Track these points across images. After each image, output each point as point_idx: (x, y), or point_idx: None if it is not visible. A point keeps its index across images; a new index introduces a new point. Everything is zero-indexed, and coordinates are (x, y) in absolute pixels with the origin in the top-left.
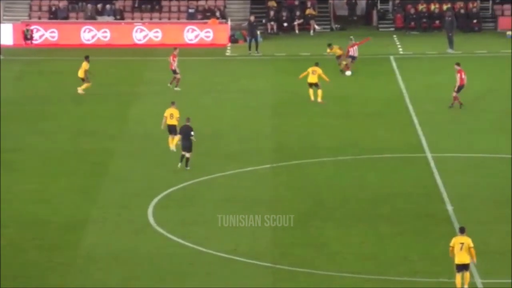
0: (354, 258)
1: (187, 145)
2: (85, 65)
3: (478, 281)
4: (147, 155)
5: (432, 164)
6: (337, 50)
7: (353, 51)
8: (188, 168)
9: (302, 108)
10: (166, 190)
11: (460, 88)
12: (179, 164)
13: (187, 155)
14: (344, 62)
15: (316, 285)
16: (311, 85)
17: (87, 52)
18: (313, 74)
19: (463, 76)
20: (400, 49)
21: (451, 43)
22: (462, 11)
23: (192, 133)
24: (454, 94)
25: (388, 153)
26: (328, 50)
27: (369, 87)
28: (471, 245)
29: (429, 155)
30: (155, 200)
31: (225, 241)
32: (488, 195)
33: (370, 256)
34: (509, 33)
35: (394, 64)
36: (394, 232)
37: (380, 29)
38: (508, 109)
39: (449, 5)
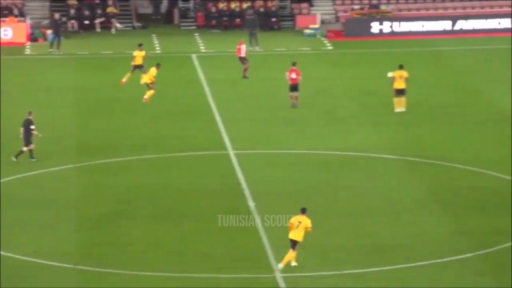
0: (159, 256)
1: (27, 138)
2: None
3: (278, 275)
4: None
5: (235, 161)
6: (139, 58)
7: (241, 51)
8: (34, 160)
9: (106, 106)
10: None
11: (291, 87)
12: (13, 158)
13: (31, 146)
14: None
15: (121, 285)
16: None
17: None
18: (147, 74)
19: (292, 76)
20: (202, 48)
21: (255, 41)
22: (262, 9)
23: (33, 126)
24: (289, 93)
25: (192, 151)
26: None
27: (172, 85)
28: (309, 225)
29: (231, 152)
30: None
31: (26, 243)
32: (289, 191)
33: (175, 253)
34: (306, 31)
35: (196, 62)
36: (198, 229)
37: (182, 28)
38: (307, 105)
39: (249, 4)
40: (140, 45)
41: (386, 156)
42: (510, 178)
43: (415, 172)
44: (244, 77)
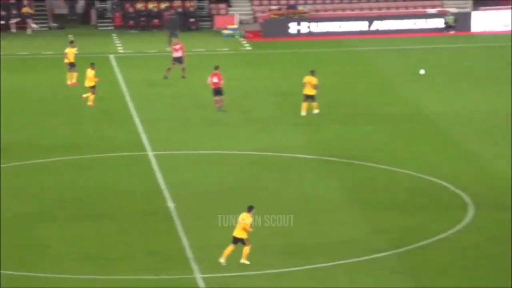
0: (79, 258)
1: None
2: None
3: (198, 276)
4: None
5: (154, 162)
6: (71, 55)
7: (177, 50)
8: None
9: (24, 108)
10: None
11: (214, 91)
12: None
13: None
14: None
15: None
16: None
17: None
18: (87, 78)
19: (214, 80)
20: (120, 48)
21: (170, 41)
22: (180, 10)
23: None
24: (214, 98)
25: (111, 152)
26: (68, 50)
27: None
28: (247, 223)
29: (150, 153)
30: None
31: None
32: (209, 191)
33: (95, 256)
34: (225, 32)
35: (114, 63)
36: (118, 231)
37: (99, 28)
38: (226, 106)
39: (167, 4)
40: (71, 42)
41: (304, 156)
42: (425, 176)
43: (332, 172)
44: (183, 77)
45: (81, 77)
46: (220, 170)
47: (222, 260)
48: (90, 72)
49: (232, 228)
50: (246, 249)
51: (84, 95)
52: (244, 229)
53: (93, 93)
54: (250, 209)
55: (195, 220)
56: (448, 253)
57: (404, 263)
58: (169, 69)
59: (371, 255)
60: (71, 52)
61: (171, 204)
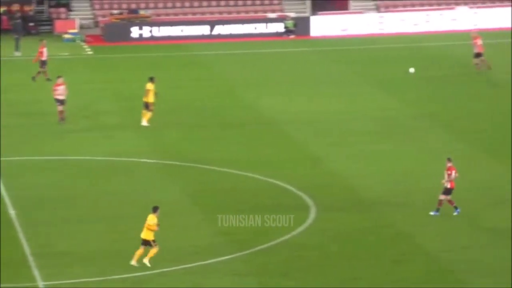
0: None
1: None
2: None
3: (41, 284)
4: None
5: None
6: None
7: (44, 54)
8: None
9: None
10: None
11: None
12: None
13: None
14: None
15: None
16: None
17: None
18: None
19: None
20: None
21: (16, 46)
22: (19, 14)
23: None
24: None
25: None
26: None
27: None
28: (149, 223)
29: None
30: None
31: None
32: (52, 197)
33: None
34: (65, 36)
35: None
36: None
37: None
38: (69, 111)
39: (4, 8)
40: None
41: (147, 160)
42: (268, 179)
43: (174, 176)
44: (48, 79)
45: None
46: (64, 176)
47: (133, 262)
48: None
49: (76, 234)
50: (153, 251)
51: None
52: (150, 230)
53: None
54: (155, 209)
55: (37, 227)
56: (291, 255)
57: (248, 266)
58: (39, 72)
59: (215, 259)
60: None
61: (11, 211)
